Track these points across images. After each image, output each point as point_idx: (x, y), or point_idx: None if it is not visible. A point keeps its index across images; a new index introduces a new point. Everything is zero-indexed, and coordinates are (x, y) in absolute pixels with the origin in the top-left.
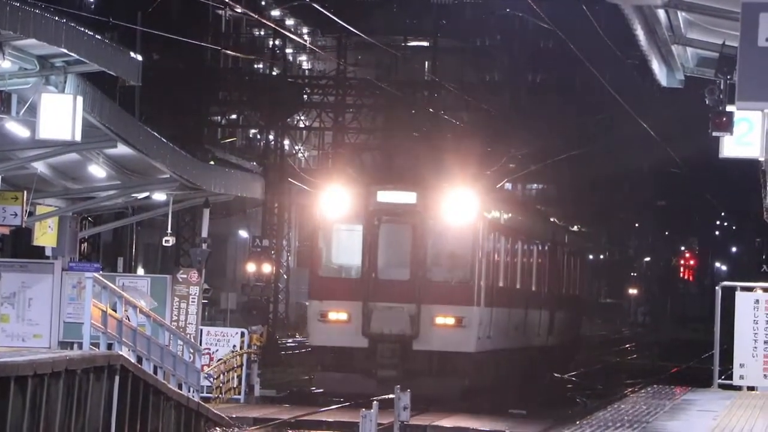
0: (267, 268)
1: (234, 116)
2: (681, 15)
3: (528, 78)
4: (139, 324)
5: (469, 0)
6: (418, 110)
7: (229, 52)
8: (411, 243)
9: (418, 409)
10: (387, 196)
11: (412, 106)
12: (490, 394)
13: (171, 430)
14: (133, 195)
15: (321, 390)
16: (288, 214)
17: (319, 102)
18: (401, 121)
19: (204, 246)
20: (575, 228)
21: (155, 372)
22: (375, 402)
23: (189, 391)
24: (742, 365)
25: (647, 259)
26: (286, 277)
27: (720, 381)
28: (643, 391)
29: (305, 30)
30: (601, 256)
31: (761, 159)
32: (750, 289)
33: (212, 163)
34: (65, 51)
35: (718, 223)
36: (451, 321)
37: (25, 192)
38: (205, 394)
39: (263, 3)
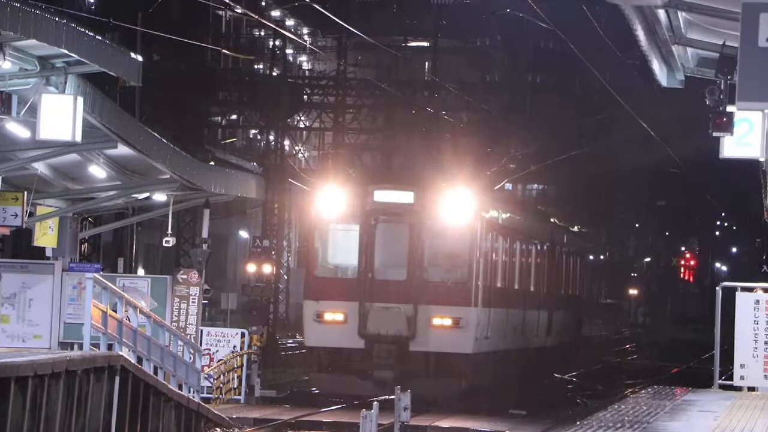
0: (267, 268)
1: (234, 117)
2: (681, 15)
3: (528, 78)
4: (140, 324)
5: (469, 0)
6: (418, 110)
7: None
8: (408, 243)
9: (417, 410)
10: (384, 196)
11: (412, 106)
12: (489, 395)
13: (171, 430)
14: (133, 195)
15: (318, 391)
16: (288, 214)
17: (319, 102)
18: (401, 121)
19: (204, 246)
20: (575, 228)
21: (155, 372)
22: (375, 402)
23: (189, 392)
24: (742, 366)
25: (647, 259)
26: (286, 277)
27: (720, 381)
28: (643, 391)
29: (305, 30)
30: (601, 257)
31: (761, 159)
32: (750, 290)
33: (212, 163)
34: (66, 51)
35: (718, 223)
36: (448, 322)
37: (26, 192)
38: (205, 395)
39: (263, 3)
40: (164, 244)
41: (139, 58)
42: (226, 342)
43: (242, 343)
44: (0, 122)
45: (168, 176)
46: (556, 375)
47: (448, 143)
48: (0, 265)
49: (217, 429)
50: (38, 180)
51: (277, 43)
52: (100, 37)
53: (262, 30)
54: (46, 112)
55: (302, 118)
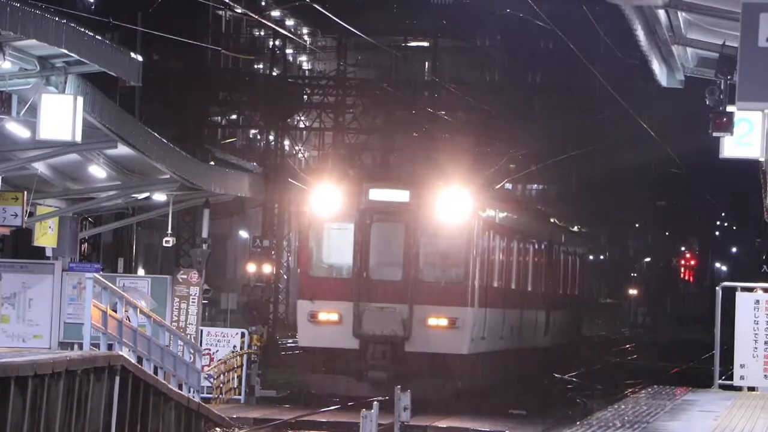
0: (267, 268)
1: (234, 117)
2: (681, 15)
3: (528, 78)
4: (140, 324)
5: (469, 0)
6: (418, 110)
7: (229, 52)
8: (403, 242)
9: (416, 410)
10: (379, 194)
11: (412, 106)
12: (486, 396)
13: (171, 430)
14: (133, 195)
15: (313, 391)
16: (288, 214)
17: (319, 102)
18: (401, 121)
19: (204, 246)
20: (575, 228)
21: (156, 372)
22: (375, 402)
23: (189, 392)
24: (742, 366)
25: (647, 259)
26: (286, 277)
27: (720, 381)
28: (643, 391)
29: (305, 30)
30: (601, 257)
31: (761, 159)
32: (750, 290)
33: (212, 163)
34: (65, 51)
35: (718, 223)
36: (444, 322)
37: (26, 192)
38: (205, 395)
39: (263, 3)
40: (164, 244)
41: (139, 58)
42: (226, 342)
43: (242, 343)
44: (0, 122)
45: (168, 176)
46: (556, 375)
47: (447, 143)
48: (0, 265)
49: (217, 429)
50: (38, 180)
51: (276, 43)
52: (100, 37)
53: (262, 30)
54: (46, 112)
55: (302, 118)
